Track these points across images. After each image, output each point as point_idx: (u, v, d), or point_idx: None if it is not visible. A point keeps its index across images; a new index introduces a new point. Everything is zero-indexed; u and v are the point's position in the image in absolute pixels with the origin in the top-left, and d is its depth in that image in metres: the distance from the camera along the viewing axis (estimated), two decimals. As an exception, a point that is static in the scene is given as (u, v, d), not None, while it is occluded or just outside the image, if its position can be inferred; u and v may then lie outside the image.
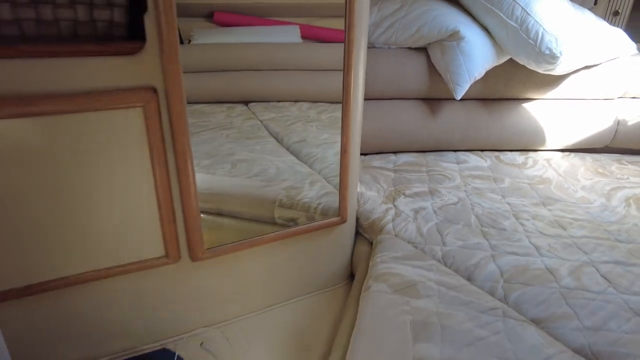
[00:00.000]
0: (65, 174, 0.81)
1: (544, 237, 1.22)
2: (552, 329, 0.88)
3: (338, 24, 1.67)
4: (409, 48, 1.68)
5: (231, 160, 1.35)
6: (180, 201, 0.95)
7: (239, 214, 1.23)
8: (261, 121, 1.51)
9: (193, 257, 1.01)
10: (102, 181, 0.85)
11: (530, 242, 1.19)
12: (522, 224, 1.29)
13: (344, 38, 1.04)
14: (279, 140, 1.51)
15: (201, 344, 1.09)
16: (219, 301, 1.13)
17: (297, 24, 1.49)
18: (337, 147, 1.53)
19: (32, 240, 0.83)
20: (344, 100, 1.11)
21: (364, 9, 1.03)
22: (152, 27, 0.79)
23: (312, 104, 1.67)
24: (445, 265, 1.09)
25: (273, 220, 1.26)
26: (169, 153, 0.89)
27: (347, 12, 1.00)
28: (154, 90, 0.84)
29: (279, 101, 1.60)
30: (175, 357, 1.04)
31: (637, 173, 1.73)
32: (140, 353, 1.05)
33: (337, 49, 1.66)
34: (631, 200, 1.48)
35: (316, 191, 1.32)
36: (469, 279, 1.04)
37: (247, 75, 1.52)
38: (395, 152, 1.81)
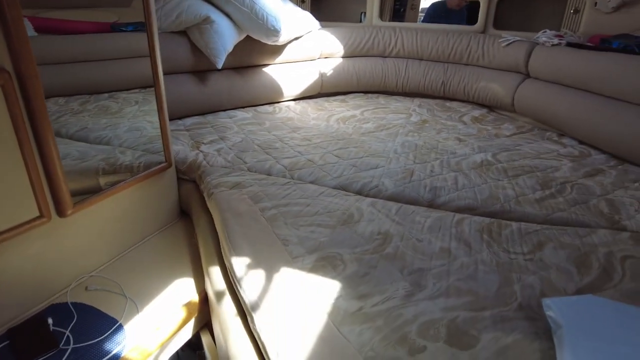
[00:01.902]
0: None
1: (301, 146, 1.91)
2: (319, 183, 1.55)
3: (71, 15, 1.82)
4: (173, 32, 2.07)
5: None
6: (42, 166, 1.13)
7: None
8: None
9: (62, 213, 1.20)
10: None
11: (295, 151, 1.85)
12: (286, 144, 1.95)
13: (146, 31, 1.38)
14: (55, 134, 1.66)
15: (86, 288, 1.29)
16: (90, 250, 1.33)
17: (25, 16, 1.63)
18: (124, 127, 1.78)
19: None
20: (154, 76, 1.46)
21: (153, 5, 1.39)
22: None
23: (68, 97, 1.83)
24: (251, 172, 1.64)
25: (100, 188, 1.49)
26: (29, 125, 1.07)
27: (145, 10, 1.34)
28: (6, 71, 1.02)
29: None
30: (49, 321, 1.19)
31: (339, 105, 2.68)
32: (18, 322, 1.16)
33: (80, 40, 1.85)
34: (339, 120, 2.37)
35: (130, 156, 1.60)
36: (268, 174, 1.62)
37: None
38: (180, 118, 2.20)
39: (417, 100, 2.82)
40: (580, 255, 1.14)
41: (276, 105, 2.62)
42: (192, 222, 1.61)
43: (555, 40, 2.34)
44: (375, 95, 2.96)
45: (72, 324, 1.14)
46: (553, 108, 2.24)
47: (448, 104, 2.76)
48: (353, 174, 1.62)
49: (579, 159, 1.87)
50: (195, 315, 1.25)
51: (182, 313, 1.21)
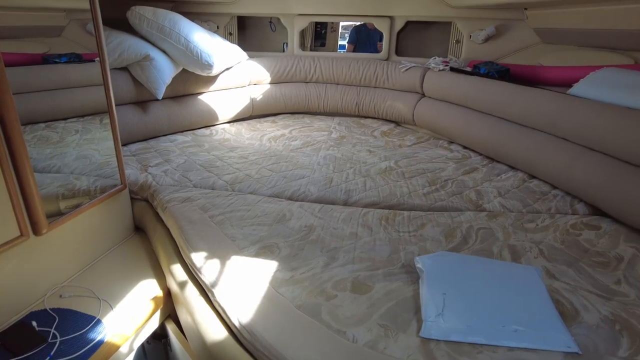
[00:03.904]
0: None
1: (238, 164, 2.24)
2: (257, 193, 1.89)
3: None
4: (116, 68, 2.31)
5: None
6: (20, 192, 1.36)
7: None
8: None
9: (38, 232, 1.42)
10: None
11: (234, 168, 2.18)
12: (225, 162, 2.27)
13: (100, 66, 1.64)
14: (0, 165, 1.83)
15: (60, 296, 1.50)
16: (61, 263, 1.55)
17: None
18: (71, 156, 1.94)
19: None
20: (109, 107, 1.71)
21: (104, 46, 1.66)
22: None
23: (1, 129, 2.01)
24: (197, 188, 1.93)
25: (60, 212, 1.70)
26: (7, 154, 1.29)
27: (99, 48, 1.61)
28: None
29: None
30: (33, 324, 1.39)
31: (270, 126, 3.04)
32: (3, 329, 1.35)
33: (10, 73, 2.01)
34: (271, 139, 2.73)
35: (86, 181, 1.81)
36: (213, 189, 1.92)
37: None
38: (125, 145, 2.42)
39: (337, 119, 3.26)
40: (449, 230, 1.58)
41: (213, 128, 2.92)
42: (147, 235, 1.86)
43: (442, 66, 2.90)
44: (301, 115, 3.37)
45: (54, 324, 1.36)
46: (443, 121, 2.78)
47: (362, 121, 3.23)
48: (284, 184, 1.98)
49: (461, 161, 2.39)
50: (161, 307, 1.53)
51: (151, 305, 1.48)
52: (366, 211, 1.72)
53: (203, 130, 2.85)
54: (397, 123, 3.23)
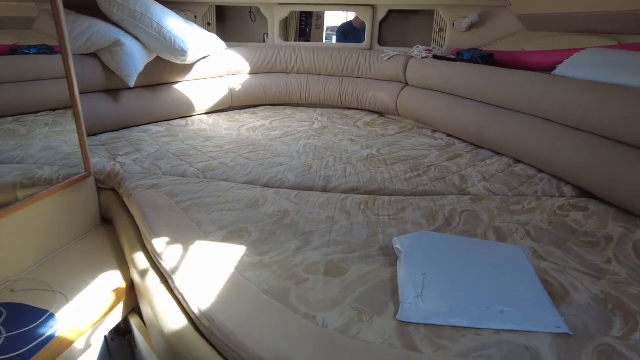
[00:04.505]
0: None
1: (213, 152, 2.13)
2: (230, 180, 1.79)
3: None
4: (83, 54, 2.19)
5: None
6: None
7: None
8: None
9: (-15, 220, 1.31)
10: None
11: (208, 156, 2.07)
12: (200, 151, 2.16)
13: (62, 54, 1.52)
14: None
15: (12, 290, 1.38)
16: (14, 255, 1.42)
17: None
18: (37, 147, 1.83)
19: None
20: (71, 95, 1.59)
21: (65, 28, 1.55)
22: None
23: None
24: (166, 176, 1.82)
25: (17, 201, 1.58)
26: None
27: (59, 36, 1.50)
28: None
29: None
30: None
31: (249, 117, 2.94)
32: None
33: None
34: (250, 129, 2.63)
35: (49, 170, 1.69)
36: (183, 176, 1.82)
37: None
38: (95, 134, 2.30)
39: (319, 110, 3.18)
40: (431, 213, 1.50)
41: (189, 119, 2.81)
42: (114, 226, 1.74)
43: (424, 54, 2.83)
44: (283, 107, 3.27)
45: (2, 319, 1.24)
46: (426, 109, 2.71)
47: (345, 112, 3.15)
48: (261, 171, 1.88)
49: (445, 148, 2.32)
50: (124, 299, 1.41)
51: (112, 297, 1.36)
52: (345, 197, 1.63)
53: (179, 120, 2.74)
54: (381, 114, 3.15)
